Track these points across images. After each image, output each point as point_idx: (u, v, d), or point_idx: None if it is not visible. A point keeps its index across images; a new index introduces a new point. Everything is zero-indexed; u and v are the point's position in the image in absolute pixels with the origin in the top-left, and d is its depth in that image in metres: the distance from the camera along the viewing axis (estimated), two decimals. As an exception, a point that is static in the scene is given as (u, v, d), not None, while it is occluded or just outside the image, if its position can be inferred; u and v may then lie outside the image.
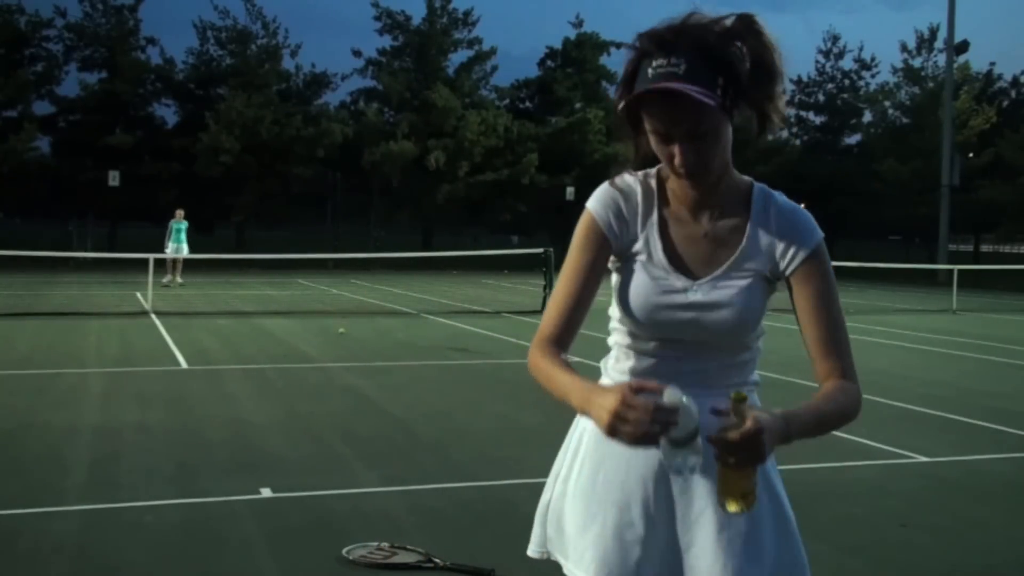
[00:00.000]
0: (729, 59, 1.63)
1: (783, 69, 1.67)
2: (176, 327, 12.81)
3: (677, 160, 1.66)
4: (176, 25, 41.42)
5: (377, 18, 39.06)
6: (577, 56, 41.59)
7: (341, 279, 25.52)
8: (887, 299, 21.74)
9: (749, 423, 1.47)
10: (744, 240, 1.74)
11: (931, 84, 38.60)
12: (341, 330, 12.88)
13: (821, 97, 44.46)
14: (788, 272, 1.74)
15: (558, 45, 42.53)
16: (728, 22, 1.65)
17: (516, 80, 43.37)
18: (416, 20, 39.35)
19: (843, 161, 41.76)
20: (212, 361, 9.94)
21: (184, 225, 21.23)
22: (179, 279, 21.07)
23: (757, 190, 1.78)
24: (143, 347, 10.85)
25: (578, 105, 40.72)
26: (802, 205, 1.81)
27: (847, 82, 43.99)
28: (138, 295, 17.33)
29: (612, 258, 1.79)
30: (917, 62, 39.61)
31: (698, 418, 1.49)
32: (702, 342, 1.73)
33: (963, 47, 35.24)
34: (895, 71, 40.11)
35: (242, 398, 7.89)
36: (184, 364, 9.68)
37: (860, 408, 1.73)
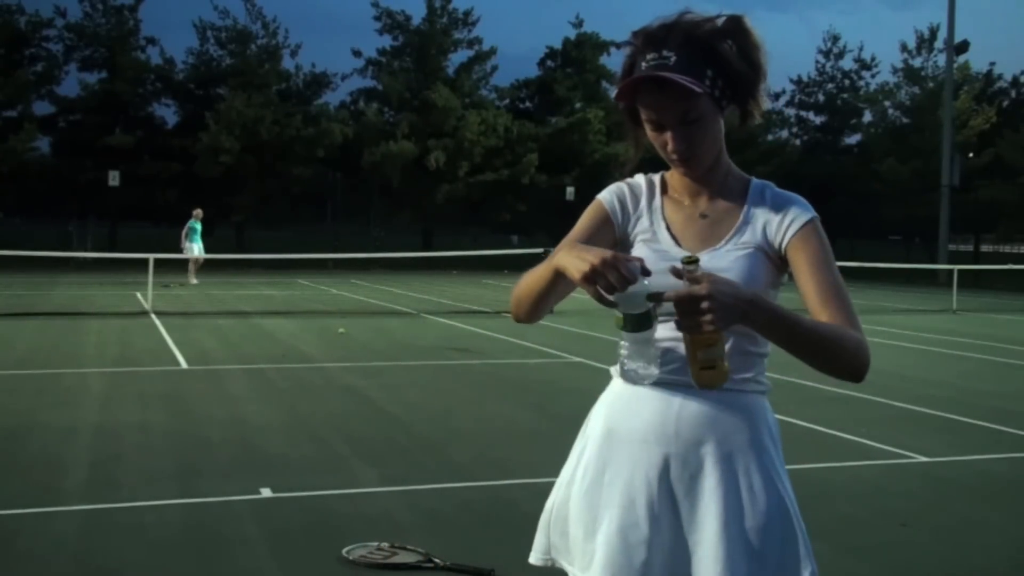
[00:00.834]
0: (718, 53, 1.73)
1: (767, 68, 1.78)
2: (176, 327, 12.81)
3: (670, 146, 1.76)
4: (176, 25, 41.46)
5: (377, 18, 39.05)
6: (577, 56, 41.57)
7: (341, 279, 25.52)
8: (887, 299, 21.74)
9: (696, 286, 1.51)
10: (740, 218, 1.81)
11: (931, 84, 38.57)
12: (341, 330, 12.88)
13: (821, 97, 44.43)
14: (784, 243, 1.77)
15: (558, 45, 42.52)
16: (719, 21, 1.75)
17: (516, 80, 43.38)
18: (416, 20, 39.36)
19: (843, 161, 41.72)
20: (212, 361, 9.94)
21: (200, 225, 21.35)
22: (193, 280, 21.13)
23: (756, 182, 1.87)
24: (143, 347, 10.85)
25: (578, 105, 40.70)
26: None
27: (847, 82, 43.97)
28: (138, 295, 17.33)
29: (619, 244, 1.86)
30: (917, 62, 39.60)
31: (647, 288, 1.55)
32: None
33: (963, 47, 35.22)
34: (895, 71, 40.10)
35: (242, 398, 7.89)
36: (184, 364, 9.68)
37: (863, 357, 1.68)
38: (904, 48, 39.73)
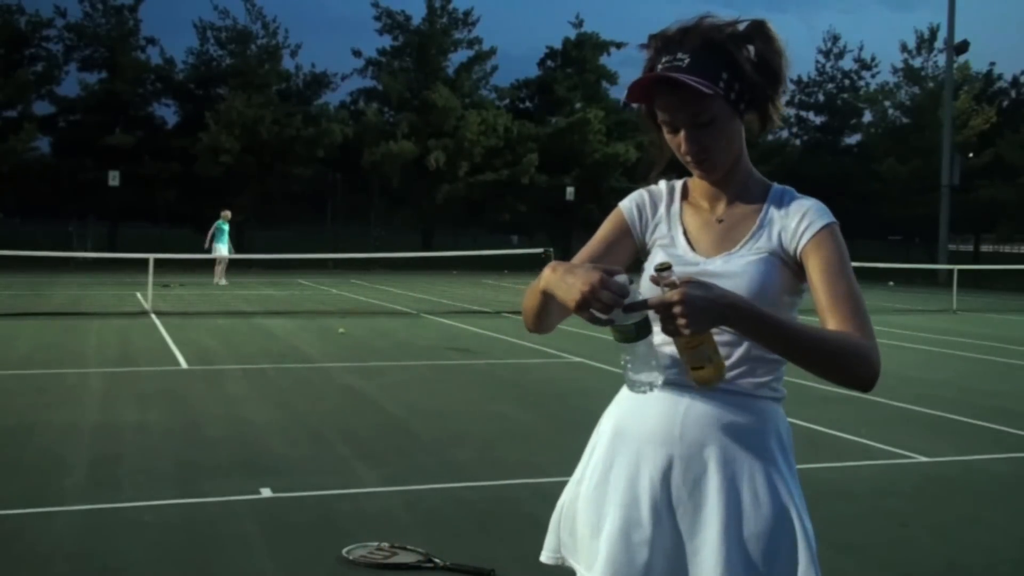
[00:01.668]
0: (734, 57, 1.72)
1: (787, 74, 1.77)
2: (176, 327, 12.81)
3: (683, 148, 1.75)
4: (176, 25, 41.41)
5: (377, 18, 39.06)
6: (577, 56, 41.56)
7: (341, 279, 25.52)
8: (887, 299, 21.74)
9: (668, 292, 1.53)
10: (757, 223, 1.80)
11: (931, 84, 38.60)
12: (341, 330, 12.89)
13: (821, 97, 44.47)
14: (799, 248, 1.75)
15: (558, 45, 42.50)
16: (741, 26, 1.75)
17: (516, 80, 43.38)
18: (416, 20, 39.37)
19: (843, 161, 41.73)
20: (212, 361, 9.94)
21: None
22: (223, 280, 21.17)
23: (776, 187, 1.86)
24: (143, 347, 10.85)
25: (578, 105, 40.68)
26: None
27: (847, 82, 44.00)
28: (138, 295, 17.33)
29: (640, 250, 1.88)
30: (917, 62, 39.63)
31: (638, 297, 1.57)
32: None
33: (963, 47, 35.21)
34: (895, 71, 40.14)
35: (242, 398, 7.89)
36: (184, 364, 9.68)
37: (869, 366, 1.61)
38: (904, 48, 39.78)
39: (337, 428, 6.78)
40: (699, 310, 1.51)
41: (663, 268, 1.58)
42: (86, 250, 29.29)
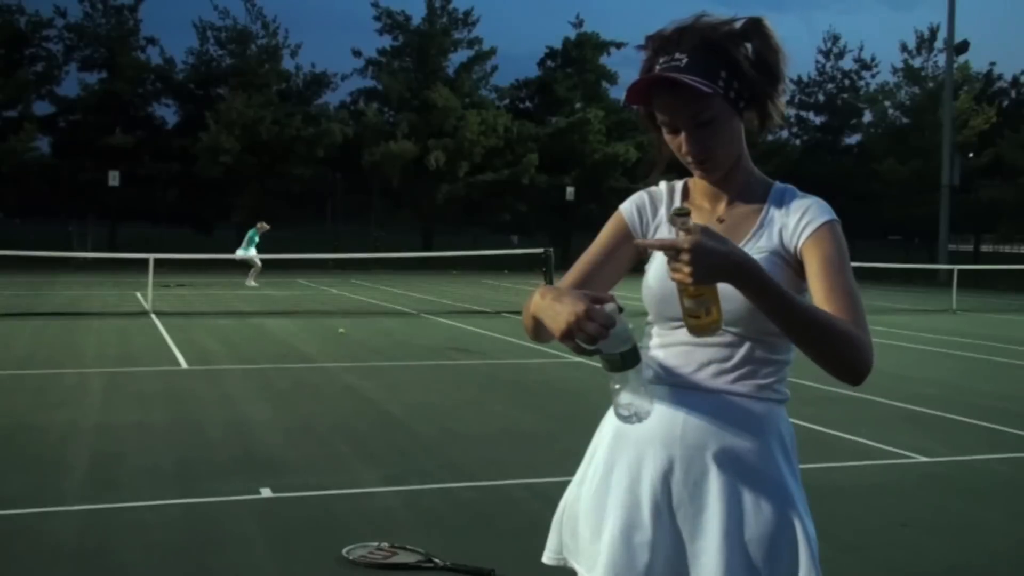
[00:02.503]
0: (732, 55, 1.70)
1: (786, 71, 1.75)
2: (176, 327, 12.81)
3: (684, 148, 1.74)
4: (176, 25, 41.42)
5: (377, 18, 39.08)
6: (577, 56, 41.57)
7: (341, 279, 25.52)
8: (887, 299, 21.75)
9: (681, 237, 1.51)
10: (758, 223, 1.78)
11: (931, 84, 38.61)
12: (341, 330, 12.88)
13: (821, 97, 44.50)
14: (799, 245, 1.73)
15: (558, 45, 42.53)
16: (737, 24, 1.73)
17: (516, 80, 43.43)
18: (416, 20, 39.40)
19: (843, 161, 41.78)
20: (212, 361, 9.94)
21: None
22: (253, 282, 21.22)
23: (778, 185, 1.84)
24: (143, 347, 10.85)
25: (578, 105, 40.71)
26: None
27: (847, 82, 44.02)
28: (138, 295, 17.33)
29: (641, 253, 1.85)
30: (917, 62, 39.66)
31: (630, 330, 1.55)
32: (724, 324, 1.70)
33: (963, 47, 35.24)
34: (895, 71, 40.19)
35: (242, 398, 7.89)
36: (184, 364, 9.68)
37: (862, 355, 1.60)
38: (904, 48, 39.81)
39: (337, 428, 6.78)
40: (706, 261, 1.50)
41: (682, 213, 1.55)
42: (86, 250, 29.29)
